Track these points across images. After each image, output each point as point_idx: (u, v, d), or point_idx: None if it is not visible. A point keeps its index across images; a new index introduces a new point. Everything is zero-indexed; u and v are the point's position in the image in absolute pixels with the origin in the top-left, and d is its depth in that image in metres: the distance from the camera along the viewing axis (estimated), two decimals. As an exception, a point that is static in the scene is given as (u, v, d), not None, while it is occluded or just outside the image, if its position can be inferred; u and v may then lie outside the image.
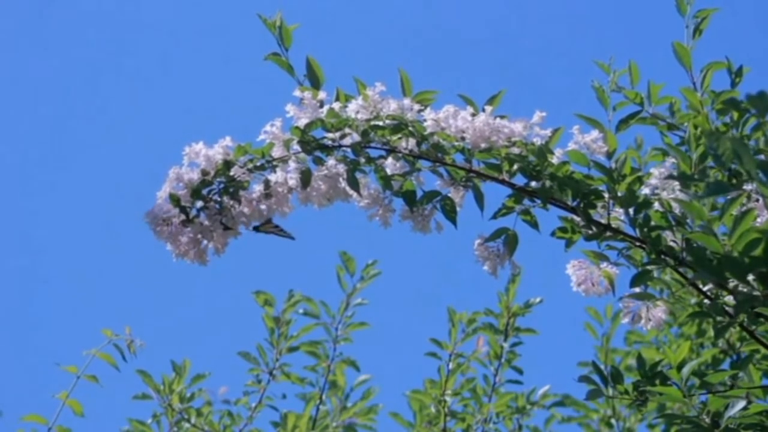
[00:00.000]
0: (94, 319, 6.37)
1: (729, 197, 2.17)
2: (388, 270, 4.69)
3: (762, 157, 2.45)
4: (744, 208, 2.19)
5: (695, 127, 2.54)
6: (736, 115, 2.56)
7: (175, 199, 2.50)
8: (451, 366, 4.31)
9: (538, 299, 4.39)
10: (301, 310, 4.60)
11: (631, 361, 4.48)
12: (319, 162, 2.49)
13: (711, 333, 4.24)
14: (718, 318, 2.36)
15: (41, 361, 6.12)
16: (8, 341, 6.43)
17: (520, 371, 4.40)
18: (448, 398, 4.29)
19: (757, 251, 2.17)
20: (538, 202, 2.48)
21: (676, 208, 2.42)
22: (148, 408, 4.43)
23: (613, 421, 4.61)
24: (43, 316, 6.82)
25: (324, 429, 4.51)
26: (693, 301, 3.68)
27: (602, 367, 2.57)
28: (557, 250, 2.55)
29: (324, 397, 4.55)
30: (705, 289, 2.44)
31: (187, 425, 4.42)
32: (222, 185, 2.51)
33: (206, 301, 6.75)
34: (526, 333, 4.39)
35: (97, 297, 6.72)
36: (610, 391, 2.51)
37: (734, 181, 2.40)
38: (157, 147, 6.65)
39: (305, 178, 2.47)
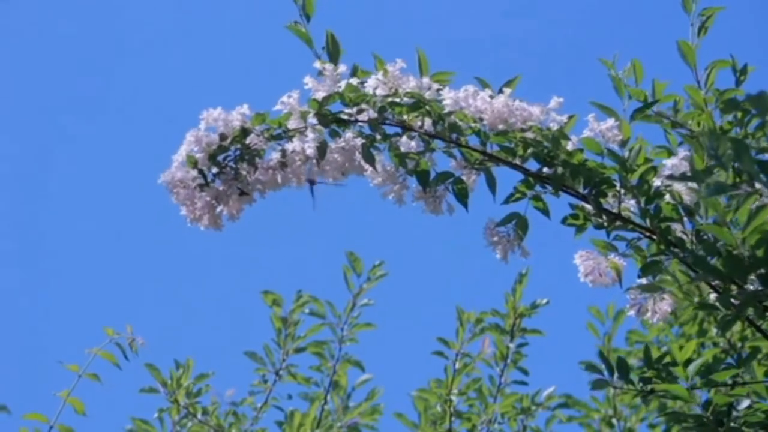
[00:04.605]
0: (97, 318, 6.39)
1: (738, 195, 2.19)
2: (394, 270, 4.72)
3: (766, 156, 2.48)
4: (759, 203, 2.21)
5: (698, 124, 2.57)
6: (739, 113, 2.58)
7: (192, 161, 2.52)
8: (457, 365, 4.34)
9: (544, 300, 4.42)
10: (307, 311, 4.63)
11: (633, 361, 4.49)
12: (335, 135, 2.51)
13: (712, 333, 4.27)
14: (725, 312, 2.37)
15: (43, 360, 6.13)
16: (10, 339, 6.44)
17: (525, 372, 4.42)
18: (453, 398, 4.32)
19: (760, 252, 2.21)
20: (550, 188, 2.50)
21: (687, 200, 2.45)
22: (150, 408, 4.45)
23: (614, 420, 4.62)
24: (46, 314, 6.82)
25: (328, 429, 4.54)
26: (696, 299, 3.71)
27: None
28: (563, 251, 2.58)
29: (329, 397, 4.58)
30: (713, 282, 2.45)
31: (190, 423, 4.44)
32: (238, 152, 2.53)
33: (214, 301, 6.76)
34: (532, 334, 4.41)
35: (101, 295, 6.72)
36: (615, 381, 2.52)
37: (737, 179, 2.41)
38: (163, 140, 6.66)
39: (321, 150, 2.49)
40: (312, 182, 2.56)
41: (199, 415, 4.42)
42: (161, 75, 7.19)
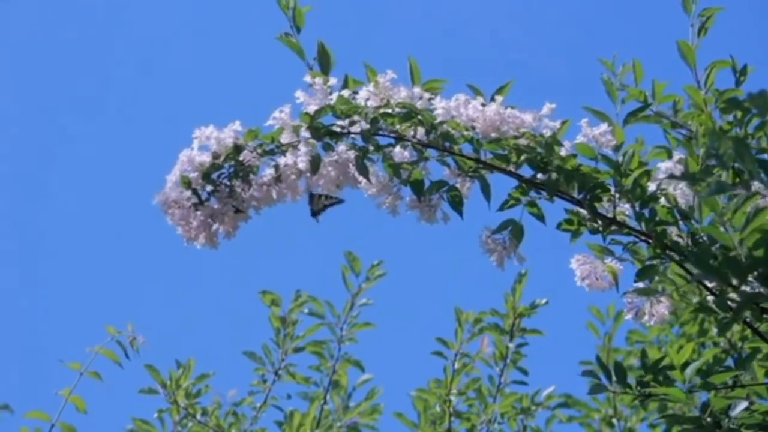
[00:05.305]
0: (97, 319, 6.40)
1: (738, 196, 2.19)
2: (393, 270, 4.72)
3: (765, 156, 2.48)
4: (757, 205, 2.21)
5: (699, 124, 2.57)
6: (739, 113, 2.57)
7: (186, 182, 2.52)
8: (456, 366, 4.34)
9: (543, 300, 4.41)
10: (306, 310, 4.63)
11: (633, 361, 4.49)
12: (328, 148, 2.51)
13: (713, 332, 4.26)
14: (723, 314, 2.37)
15: (44, 358, 6.14)
16: (11, 338, 6.45)
17: (525, 372, 4.42)
18: (453, 398, 4.32)
19: (759, 252, 2.20)
20: (545, 194, 2.50)
21: (683, 203, 2.45)
22: (152, 407, 4.46)
23: (614, 420, 4.62)
24: (47, 313, 6.83)
25: (328, 429, 4.54)
26: (695, 300, 3.71)
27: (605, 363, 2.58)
28: (563, 252, 2.57)
29: (328, 397, 4.58)
30: (710, 285, 2.45)
31: (191, 423, 4.44)
32: (232, 169, 2.53)
33: (213, 301, 6.77)
34: (531, 334, 4.41)
35: (102, 295, 6.74)
36: (613, 386, 2.52)
37: (737, 179, 2.41)
38: (162, 139, 6.66)
39: (314, 164, 2.49)
40: (312, 195, 2.56)
41: (198, 416, 4.42)
42: (161, 75, 7.20)
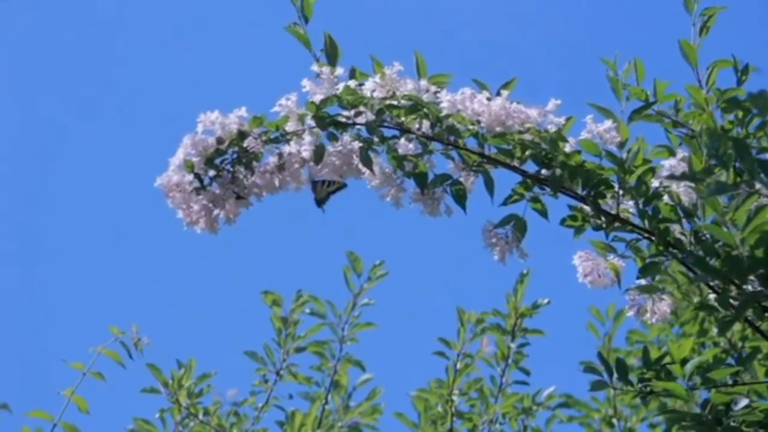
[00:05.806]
0: (100, 317, 6.40)
1: (738, 195, 2.19)
2: (395, 270, 4.72)
3: (766, 156, 2.48)
4: (758, 203, 2.21)
5: (701, 124, 2.58)
6: (740, 113, 2.58)
7: (189, 165, 2.52)
8: (458, 366, 4.35)
9: (545, 300, 4.42)
10: (308, 310, 4.63)
11: (633, 361, 4.49)
12: (333, 138, 2.52)
13: (713, 332, 4.27)
14: (724, 312, 2.38)
15: (47, 358, 6.14)
16: (13, 338, 6.45)
17: (527, 372, 4.43)
18: (455, 398, 4.33)
19: (759, 252, 2.21)
20: (548, 190, 2.51)
21: (686, 201, 2.46)
22: (153, 406, 4.46)
23: (614, 420, 4.62)
24: (49, 313, 6.83)
25: (329, 429, 4.54)
26: (696, 300, 3.71)
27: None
28: (564, 251, 2.58)
29: (329, 396, 4.59)
30: (712, 283, 2.45)
31: (192, 423, 4.44)
32: (235, 155, 2.53)
33: (214, 301, 6.77)
34: (533, 334, 4.41)
35: (104, 295, 6.74)
36: (615, 383, 2.52)
37: (738, 179, 2.42)
38: (162, 139, 6.66)
39: (319, 153, 2.50)
40: (314, 183, 2.57)
41: (200, 416, 4.43)
42: (161, 75, 7.21)
